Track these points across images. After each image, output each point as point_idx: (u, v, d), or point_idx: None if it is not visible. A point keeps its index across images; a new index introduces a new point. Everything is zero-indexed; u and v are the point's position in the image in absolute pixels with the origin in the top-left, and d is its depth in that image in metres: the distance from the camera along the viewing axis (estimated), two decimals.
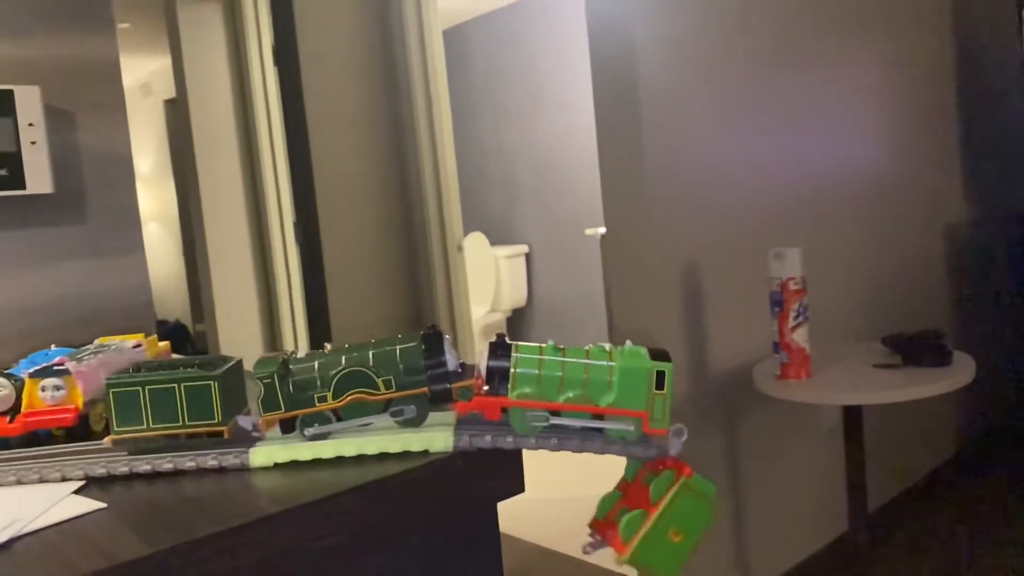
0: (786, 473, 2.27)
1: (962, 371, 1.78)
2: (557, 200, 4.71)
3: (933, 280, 2.84)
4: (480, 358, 0.59)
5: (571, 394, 0.57)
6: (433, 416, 0.61)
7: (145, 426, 0.59)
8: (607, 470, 3.29)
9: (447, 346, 0.59)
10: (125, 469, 0.57)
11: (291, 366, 0.59)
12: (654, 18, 1.95)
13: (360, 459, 0.57)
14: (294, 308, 3.02)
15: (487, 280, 4.88)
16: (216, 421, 0.59)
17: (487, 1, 4.79)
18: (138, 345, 0.80)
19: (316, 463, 0.57)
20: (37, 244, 1.18)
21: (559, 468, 3.34)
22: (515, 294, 4.90)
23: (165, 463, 0.57)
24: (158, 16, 3.87)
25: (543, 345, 0.59)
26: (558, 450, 0.57)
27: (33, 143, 1.14)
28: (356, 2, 3.06)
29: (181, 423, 0.59)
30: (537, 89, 4.73)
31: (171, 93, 3.36)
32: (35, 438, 0.70)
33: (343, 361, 0.58)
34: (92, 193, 1.22)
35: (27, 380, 0.68)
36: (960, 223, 2.96)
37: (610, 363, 0.58)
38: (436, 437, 0.56)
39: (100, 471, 0.57)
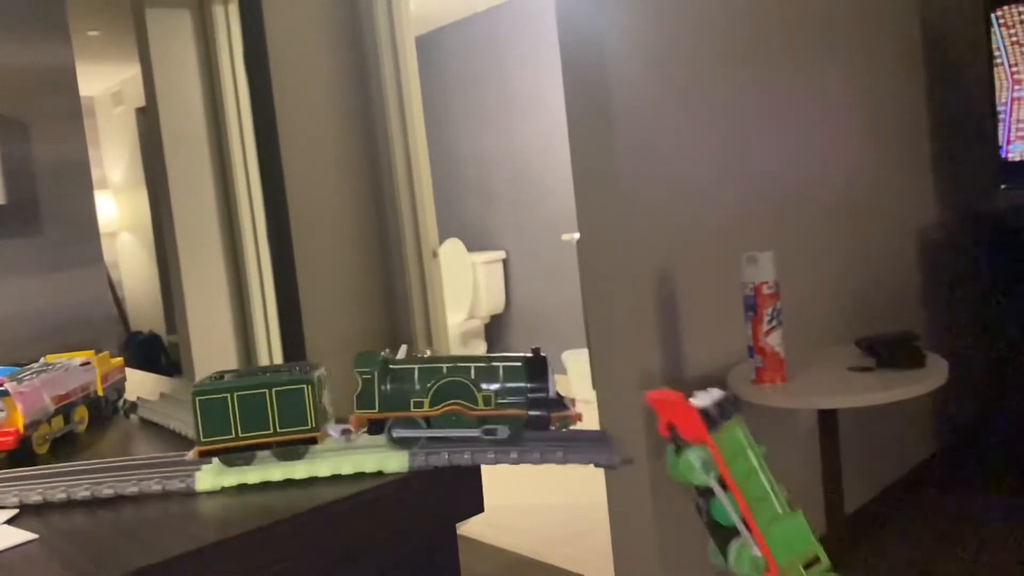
0: None
1: (936, 373, 1.78)
2: (533, 205, 4.70)
3: (905, 282, 2.84)
4: (705, 393, 0.56)
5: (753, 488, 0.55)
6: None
7: (234, 435, 0.56)
8: (585, 477, 3.27)
9: (551, 372, 0.57)
10: (63, 495, 0.54)
11: (391, 366, 0.57)
12: (626, 23, 1.94)
13: (311, 481, 0.54)
14: (267, 318, 2.98)
15: (464, 287, 4.86)
16: (310, 427, 0.56)
17: (461, 7, 4.78)
18: (86, 363, 0.77)
19: (265, 486, 0.54)
20: None
21: (535, 475, 3.32)
22: (493, 300, 4.88)
23: (105, 488, 0.54)
24: (128, 23, 3.83)
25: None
26: (518, 463, 0.55)
27: None
28: (327, 8, 3.03)
29: (272, 431, 0.56)
30: (512, 95, 4.72)
31: (142, 101, 3.31)
32: None
33: (445, 370, 0.56)
34: (48, 204, 1.19)
35: None
36: (931, 225, 2.97)
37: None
38: (390, 457, 0.54)
39: (36, 498, 0.54)
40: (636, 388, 1.97)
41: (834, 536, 1.92)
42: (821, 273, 2.47)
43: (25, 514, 0.54)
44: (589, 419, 4.12)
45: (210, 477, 0.54)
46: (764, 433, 2.26)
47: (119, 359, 0.85)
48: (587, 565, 2.53)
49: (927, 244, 2.93)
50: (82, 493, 0.54)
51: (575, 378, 4.45)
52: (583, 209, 2.02)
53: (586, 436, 0.57)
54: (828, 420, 1.93)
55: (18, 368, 0.77)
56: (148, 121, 2.91)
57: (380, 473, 0.54)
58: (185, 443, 0.70)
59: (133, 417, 0.80)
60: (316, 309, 2.98)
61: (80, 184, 1.23)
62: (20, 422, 0.65)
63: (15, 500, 0.54)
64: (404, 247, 3.05)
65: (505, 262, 4.93)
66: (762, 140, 2.29)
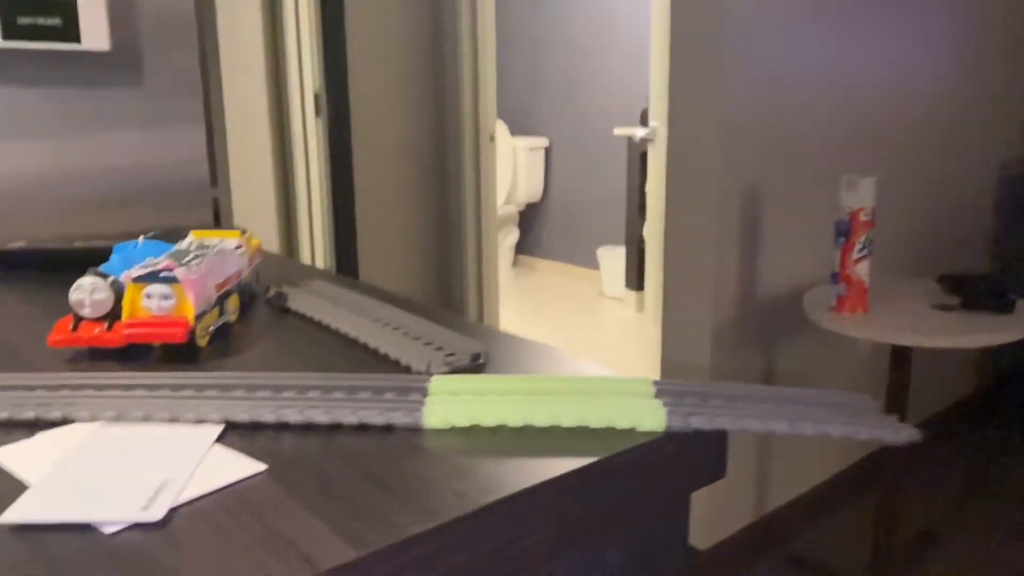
0: None
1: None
2: (587, 94, 4.52)
3: (982, 220, 2.75)
4: None
5: None
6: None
7: None
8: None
9: None
10: (271, 417, 0.48)
11: None
12: None
13: (550, 430, 0.48)
14: (310, 184, 2.89)
15: (504, 171, 4.74)
16: None
17: None
18: (239, 246, 0.70)
19: (499, 430, 0.48)
20: (90, 106, 1.05)
21: None
22: (531, 188, 4.77)
23: (320, 415, 0.48)
24: None
25: None
26: (789, 435, 0.48)
27: None
28: None
29: None
30: None
31: None
32: (128, 352, 0.61)
33: None
34: (151, 54, 1.09)
35: (130, 285, 0.58)
36: (1014, 164, 2.84)
37: None
38: (646, 413, 0.47)
39: (242, 416, 0.48)
40: (710, 303, 1.91)
41: (887, 466, 1.91)
42: (905, 201, 2.38)
43: (228, 432, 0.48)
44: (629, 321, 4.07)
45: (439, 413, 0.48)
46: (815, 354, 2.22)
47: (258, 240, 0.78)
48: None
49: (1008, 179, 2.81)
50: (295, 417, 0.48)
51: (607, 276, 4.40)
52: (677, 108, 1.91)
53: (852, 403, 0.50)
54: (902, 356, 1.88)
55: (168, 245, 0.69)
56: None
57: (631, 431, 0.47)
58: (345, 344, 0.63)
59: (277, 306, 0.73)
60: (368, 180, 2.89)
61: (183, 35, 1.12)
62: (191, 312, 0.58)
63: (218, 417, 0.48)
64: (461, 128, 2.93)
65: (547, 150, 4.79)
66: (864, 60, 2.15)
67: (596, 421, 0.47)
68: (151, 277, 0.58)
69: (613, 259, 4.31)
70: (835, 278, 1.82)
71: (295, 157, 2.86)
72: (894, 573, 2.02)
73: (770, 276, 2.02)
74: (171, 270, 0.58)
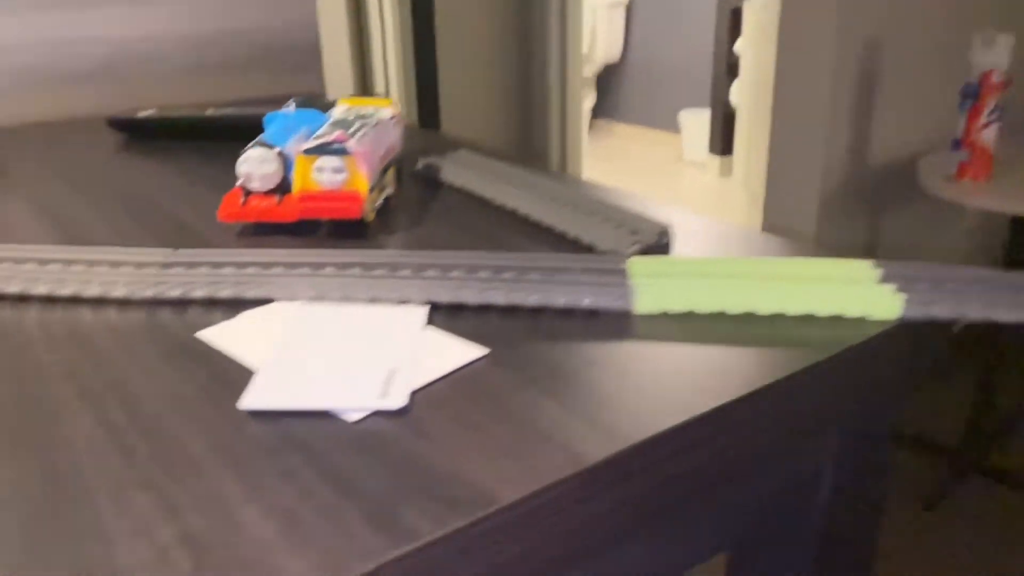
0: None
1: None
2: None
3: None
4: None
5: None
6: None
7: None
8: None
9: None
10: (476, 299, 0.46)
11: None
12: None
13: (773, 319, 0.45)
14: (385, 37, 2.80)
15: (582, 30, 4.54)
16: None
17: None
18: (393, 116, 0.67)
19: (716, 318, 0.45)
20: None
21: None
22: (609, 49, 4.58)
23: (527, 296, 0.45)
24: None
25: None
26: None
27: None
28: None
29: None
30: None
31: None
32: (296, 227, 0.59)
33: None
34: None
35: (300, 157, 0.56)
36: None
37: None
38: (877, 300, 0.44)
39: (445, 298, 0.46)
40: (819, 168, 1.83)
41: (987, 338, 1.86)
42: None
43: (432, 314, 0.46)
44: (711, 187, 3.97)
45: (652, 298, 0.45)
46: (928, 225, 2.13)
47: (399, 107, 0.74)
48: None
49: None
50: (500, 298, 0.46)
51: (689, 140, 4.27)
52: None
53: None
54: (1023, 227, 1.80)
55: (322, 113, 0.66)
56: None
57: (861, 320, 0.44)
58: (510, 219, 0.61)
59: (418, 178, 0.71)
60: (448, 39, 2.79)
61: None
62: (364, 187, 0.56)
63: (420, 297, 0.46)
64: None
65: (628, 7, 4.56)
66: None
67: (824, 309, 0.44)
68: (322, 149, 0.55)
69: (696, 123, 4.17)
70: (956, 144, 1.72)
71: (369, 9, 2.76)
72: (990, 447, 2.00)
73: (883, 141, 1.92)
74: (342, 142, 0.56)
